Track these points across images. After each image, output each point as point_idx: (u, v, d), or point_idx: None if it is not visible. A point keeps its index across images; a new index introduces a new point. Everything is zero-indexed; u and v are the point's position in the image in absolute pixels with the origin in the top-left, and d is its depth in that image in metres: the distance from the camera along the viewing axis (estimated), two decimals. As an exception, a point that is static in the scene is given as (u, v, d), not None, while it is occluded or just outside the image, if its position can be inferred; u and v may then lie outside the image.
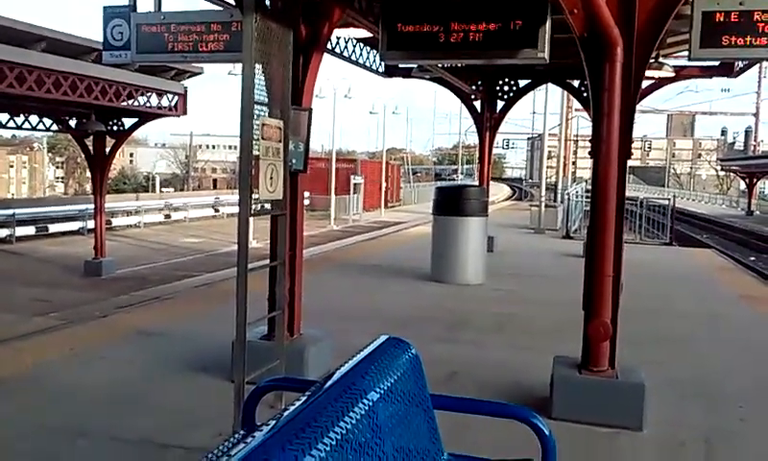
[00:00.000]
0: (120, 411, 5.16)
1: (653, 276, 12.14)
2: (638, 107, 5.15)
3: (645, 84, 12.09)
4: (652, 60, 8.67)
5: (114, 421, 4.96)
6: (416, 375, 2.35)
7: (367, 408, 1.92)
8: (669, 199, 20.93)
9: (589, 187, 5.51)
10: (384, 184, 40.30)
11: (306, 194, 6.23)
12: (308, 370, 5.54)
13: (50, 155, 76.47)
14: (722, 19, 5.56)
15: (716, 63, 11.56)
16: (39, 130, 17.87)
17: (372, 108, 42.15)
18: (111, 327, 7.89)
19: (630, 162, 5.13)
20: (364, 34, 9.36)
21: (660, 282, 11.79)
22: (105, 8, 7.67)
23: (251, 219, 4.46)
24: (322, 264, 13.00)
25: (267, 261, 5.51)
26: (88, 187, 45.63)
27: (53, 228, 23.20)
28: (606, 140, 4.87)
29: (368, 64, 12.24)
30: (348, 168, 39.27)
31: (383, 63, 12.37)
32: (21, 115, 16.77)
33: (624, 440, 4.77)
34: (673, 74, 12.08)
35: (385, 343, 2.36)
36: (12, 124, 17.34)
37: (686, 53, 6.22)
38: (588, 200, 5.46)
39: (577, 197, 22.61)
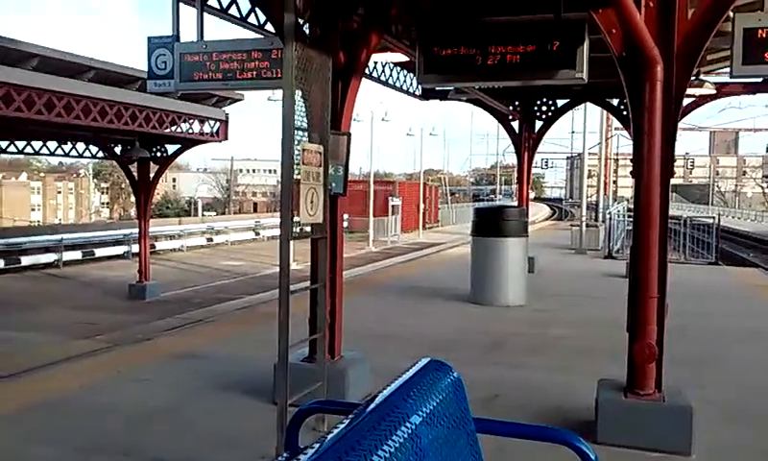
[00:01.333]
0: (164, 432, 5.24)
1: (698, 295, 11.89)
2: (679, 124, 5.09)
3: (686, 101, 11.95)
4: (693, 78, 8.56)
5: (158, 441, 5.03)
6: (458, 398, 2.34)
7: (410, 432, 1.92)
8: (714, 217, 20.49)
9: (631, 206, 5.45)
10: (422, 206, 40.30)
11: (344, 216, 6.29)
12: (349, 392, 5.55)
13: (95, 181, 78.49)
14: (764, 35, 5.48)
15: (759, 80, 11.35)
16: (86, 157, 18.38)
17: (410, 130, 42.30)
18: (155, 350, 8.03)
19: (672, 180, 5.06)
20: (401, 57, 9.45)
21: (706, 302, 11.54)
22: (149, 38, 7.88)
23: (291, 242, 4.51)
24: (360, 286, 13.04)
25: (307, 283, 5.56)
26: (133, 212, 46.68)
27: (99, 252, 23.71)
28: (647, 160, 4.82)
29: (404, 87, 12.34)
30: (386, 190, 39.36)
31: (420, 86, 12.45)
32: (68, 143, 17.30)
33: (671, 465, 4.66)
34: (714, 91, 11.91)
35: (427, 365, 2.36)
36: (59, 151, 17.91)
37: (728, 69, 6.13)
38: (631, 219, 5.40)
39: (619, 216, 22.29)
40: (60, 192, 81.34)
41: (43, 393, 6.19)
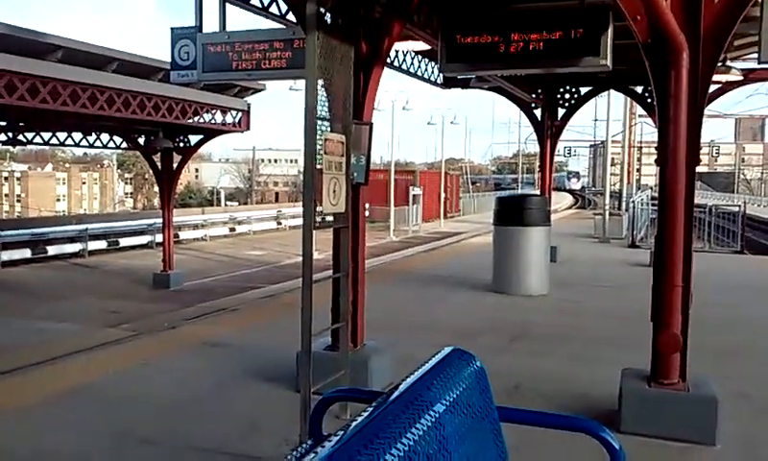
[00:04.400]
0: (190, 420, 5.30)
1: (723, 285, 11.74)
2: (705, 111, 5.02)
3: (712, 88, 11.77)
4: (719, 64, 8.42)
5: (184, 429, 5.10)
6: (481, 387, 2.34)
7: (433, 420, 1.93)
8: (739, 205, 20.19)
9: (656, 194, 5.39)
10: (443, 195, 40.18)
11: (366, 205, 6.28)
12: (372, 380, 5.57)
13: (119, 171, 79.39)
14: (794, 20, 5.39)
15: (788, 65, 11.14)
16: (110, 147, 18.57)
17: (431, 118, 42.04)
18: (180, 339, 8.12)
19: (697, 168, 4.99)
20: (422, 46, 9.40)
21: (732, 292, 11.39)
22: (172, 29, 7.93)
23: (314, 231, 4.53)
24: (382, 275, 13.05)
25: (329, 272, 5.58)
26: (156, 202, 47.12)
27: (123, 242, 24.01)
28: (673, 147, 4.76)
29: (426, 76, 12.26)
30: (407, 179, 39.30)
31: (441, 75, 12.38)
32: (93, 134, 17.49)
33: (697, 455, 4.63)
34: (741, 77, 11.71)
35: (450, 354, 2.36)
36: (84, 142, 18.11)
37: (756, 55, 6.03)
38: (655, 207, 5.35)
39: (642, 204, 22.05)
40: (84, 183, 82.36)
41: (73, 381, 6.30)
